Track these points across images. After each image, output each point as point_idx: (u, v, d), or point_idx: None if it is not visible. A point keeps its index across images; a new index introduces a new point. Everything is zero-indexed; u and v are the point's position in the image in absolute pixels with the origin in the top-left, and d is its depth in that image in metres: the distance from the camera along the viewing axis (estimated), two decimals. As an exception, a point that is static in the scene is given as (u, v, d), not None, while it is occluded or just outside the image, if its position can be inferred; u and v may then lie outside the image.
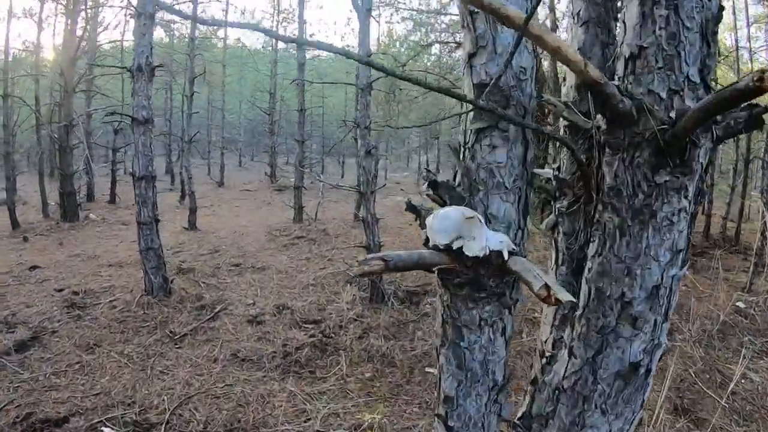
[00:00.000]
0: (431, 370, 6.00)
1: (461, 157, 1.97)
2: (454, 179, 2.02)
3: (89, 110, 11.86)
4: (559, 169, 2.60)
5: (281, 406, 5.25)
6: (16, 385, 5.59)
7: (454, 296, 1.95)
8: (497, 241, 1.74)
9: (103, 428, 4.88)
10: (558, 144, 2.88)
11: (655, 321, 1.94)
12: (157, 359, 6.36)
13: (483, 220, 1.81)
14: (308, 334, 7.12)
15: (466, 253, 1.74)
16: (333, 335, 7.14)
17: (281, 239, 13.10)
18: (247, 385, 5.69)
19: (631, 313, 1.93)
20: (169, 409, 5.15)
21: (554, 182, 2.60)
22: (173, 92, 21.80)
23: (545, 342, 2.47)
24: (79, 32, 13.41)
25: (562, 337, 2.31)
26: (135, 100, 8.46)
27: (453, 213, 1.80)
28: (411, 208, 2.08)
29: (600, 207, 1.99)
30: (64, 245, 12.05)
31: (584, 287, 2.05)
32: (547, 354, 2.46)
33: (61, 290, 8.68)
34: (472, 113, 1.92)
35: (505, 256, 1.76)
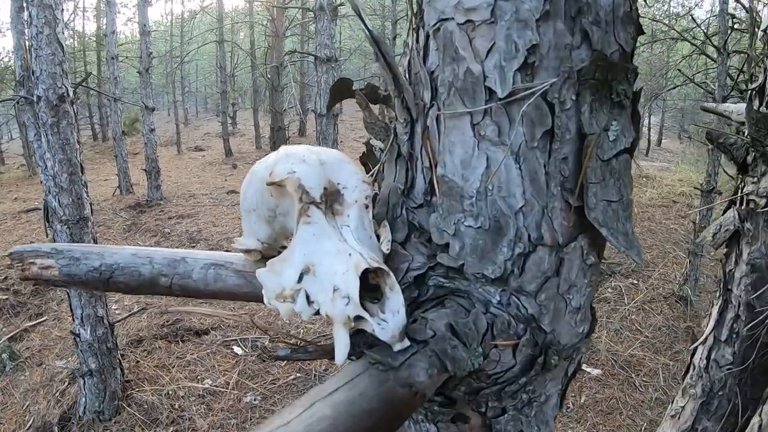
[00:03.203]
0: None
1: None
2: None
3: (298, 52, 11.98)
4: (761, 93, 1.11)
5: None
6: (177, 294, 5.96)
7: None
8: (329, 278, 0.49)
9: (234, 347, 5.03)
10: None
11: None
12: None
13: (346, 195, 0.57)
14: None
15: (263, 293, 0.56)
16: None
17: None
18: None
19: None
20: (299, 344, 4.93)
21: (747, 124, 1.11)
22: (384, 36, 21.67)
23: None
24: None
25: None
26: (317, 38, 8.17)
27: (265, 164, 0.63)
28: (368, 148, 0.91)
29: None
30: (266, 174, 12.55)
31: None
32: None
33: (247, 214, 8.92)
34: None
35: (336, 346, 0.49)
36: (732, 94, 5.75)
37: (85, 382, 4.02)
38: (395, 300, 0.53)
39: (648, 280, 6.68)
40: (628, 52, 0.65)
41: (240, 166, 13.40)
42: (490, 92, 0.60)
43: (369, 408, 0.42)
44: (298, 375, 4.66)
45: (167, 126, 19.03)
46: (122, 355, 4.52)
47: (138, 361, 4.70)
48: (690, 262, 6.05)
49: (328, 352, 0.69)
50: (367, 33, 0.68)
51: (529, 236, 0.64)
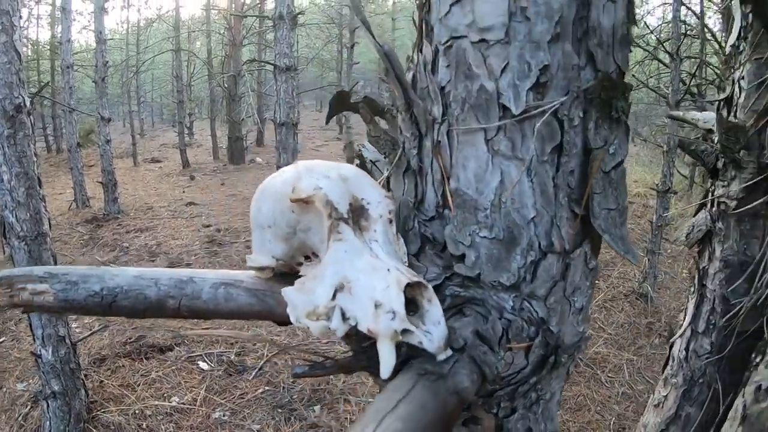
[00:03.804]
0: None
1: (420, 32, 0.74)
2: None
3: (257, 60, 11.88)
4: (729, 103, 1.19)
5: (379, 377, 4.60)
6: (140, 309, 5.86)
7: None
8: (367, 295, 0.51)
9: (200, 362, 4.93)
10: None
11: None
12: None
13: (371, 210, 0.60)
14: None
15: (288, 310, 0.57)
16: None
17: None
18: (355, 347, 5.27)
19: None
20: (266, 356, 4.96)
21: (717, 132, 1.19)
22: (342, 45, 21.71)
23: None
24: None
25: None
26: (276, 48, 8.12)
27: (282, 179, 0.65)
28: (360, 159, 0.95)
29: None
30: (225, 185, 12.42)
31: (731, 429, 0.74)
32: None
33: (207, 226, 8.84)
34: None
35: (382, 360, 0.51)
36: (685, 97, 6.03)
37: (48, 405, 3.87)
38: (435, 312, 0.55)
39: (608, 279, 6.90)
40: (623, 71, 0.70)
41: (198, 177, 13.17)
42: (504, 109, 0.64)
43: (432, 419, 0.44)
44: (266, 388, 4.60)
45: (123, 137, 18.47)
46: (85, 375, 4.36)
47: (102, 381, 4.55)
48: (648, 260, 6.29)
49: (344, 367, 0.71)
50: (378, 48, 0.71)
51: (540, 244, 0.68)
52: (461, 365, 0.55)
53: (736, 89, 1.18)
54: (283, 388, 4.54)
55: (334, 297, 0.53)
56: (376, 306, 0.51)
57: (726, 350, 1.15)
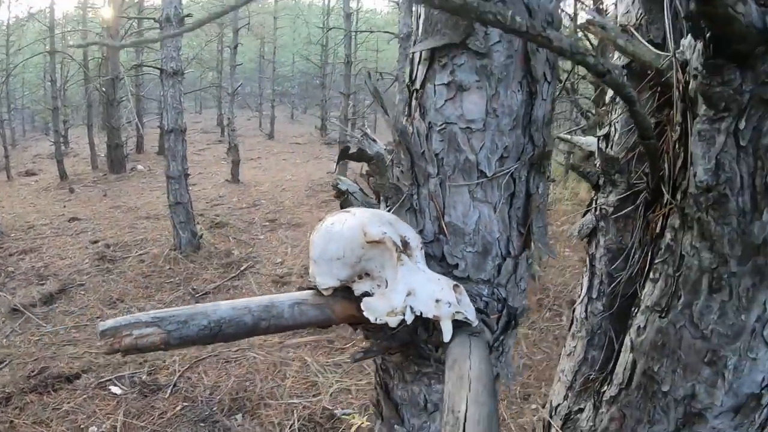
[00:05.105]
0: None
1: (406, 109, 1.13)
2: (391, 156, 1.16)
3: (137, 63, 11.41)
4: (607, 138, 1.69)
5: (293, 376, 4.89)
6: (38, 338, 5.61)
7: (385, 359, 1.17)
8: (428, 296, 0.92)
9: (111, 387, 4.85)
10: (605, 95, 1.93)
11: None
12: (176, 317, 6.19)
13: (411, 242, 0.99)
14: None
15: (365, 314, 0.94)
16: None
17: (322, 195, 12.37)
18: (261, 351, 5.35)
19: (700, 432, 1.07)
20: (178, 371, 5.01)
21: (598, 160, 1.71)
22: (223, 45, 21.28)
23: (556, 409, 1.65)
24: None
25: (581, 410, 1.48)
26: (163, 51, 7.98)
27: (347, 226, 0.98)
28: (338, 191, 1.31)
29: (675, 220, 1.14)
30: (108, 196, 11.85)
31: (625, 357, 1.22)
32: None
33: (95, 242, 8.49)
34: (422, 18, 1.02)
35: (445, 332, 0.93)
36: (561, 93, 6.86)
37: (-40, 457, 3.69)
38: (466, 300, 0.97)
39: (502, 263, 7.60)
40: (547, 142, 1.15)
41: (77, 189, 12.37)
42: (481, 172, 1.06)
43: (485, 355, 0.85)
44: (185, 404, 4.55)
45: (-9, 150, 16.68)
46: (-6, 418, 4.15)
47: (12, 421, 4.32)
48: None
49: (384, 347, 1.10)
50: (392, 125, 1.10)
51: (502, 253, 1.12)
52: (484, 327, 0.97)
53: (612, 129, 1.71)
54: (202, 401, 4.63)
55: (404, 300, 0.91)
56: (437, 301, 0.91)
57: (613, 309, 1.69)
